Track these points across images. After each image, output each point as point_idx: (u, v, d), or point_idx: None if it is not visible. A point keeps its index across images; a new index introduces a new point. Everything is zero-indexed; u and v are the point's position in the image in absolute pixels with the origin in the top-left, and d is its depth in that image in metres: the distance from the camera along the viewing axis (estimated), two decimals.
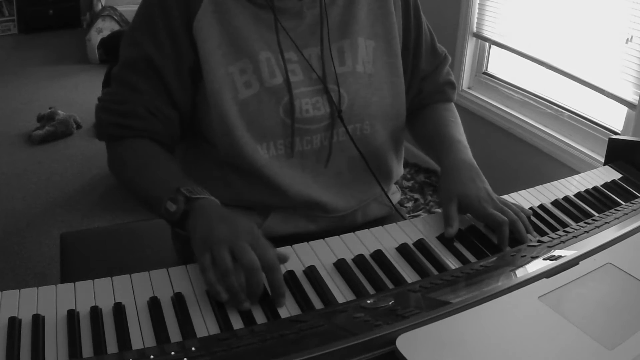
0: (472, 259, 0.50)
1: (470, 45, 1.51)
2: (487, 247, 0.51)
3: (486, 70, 1.54)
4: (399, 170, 0.67)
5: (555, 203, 0.59)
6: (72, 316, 0.39)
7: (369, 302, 0.39)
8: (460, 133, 0.63)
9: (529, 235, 0.51)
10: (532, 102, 1.38)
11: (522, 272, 0.42)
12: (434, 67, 0.67)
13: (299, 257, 0.48)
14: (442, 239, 0.52)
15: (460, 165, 0.56)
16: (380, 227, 0.53)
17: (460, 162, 0.57)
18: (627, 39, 1.08)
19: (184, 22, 0.54)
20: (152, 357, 0.33)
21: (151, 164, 0.55)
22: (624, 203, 0.59)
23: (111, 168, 0.59)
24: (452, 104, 0.69)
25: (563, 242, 0.48)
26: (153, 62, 0.54)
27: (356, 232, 0.52)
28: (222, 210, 0.48)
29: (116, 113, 0.56)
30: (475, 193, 0.53)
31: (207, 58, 0.54)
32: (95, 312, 0.40)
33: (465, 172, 0.55)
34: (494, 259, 0.47)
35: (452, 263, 0.49)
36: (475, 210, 0.53)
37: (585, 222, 0.54)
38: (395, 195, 0.69)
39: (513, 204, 0.54)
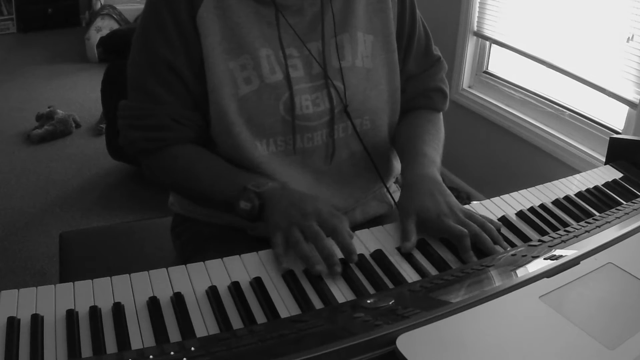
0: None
1: (471, 44, 1.50)
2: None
3: (487, 69, 1.54)
4: (398, 166, 0.67)
5: (556, 202, 0.59)
6: (71, 316, 0.39)
7: (369, 302, 0.39)
8: (432, 147, 0.59)
9: (497, 247, 0.48)
10: (532, 101, 1.38)
11: (522, 272, 0.41)
12: (422, 69, 0.65)
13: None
14: (443, 238, 0.52)
15: (420, 180, 0.54)
16: (381, 226, 0.53)
17: (420, 177, 0.54)
18: (628, 37, 1.08)
19: (189, 18, 0.54)
20: (151, 357, 0.33)
21: (200, 169, 0.56)
22: (625, 202, 0.59)
23: (153, 178, 0.60)
24: (439, 114, 0.66)
25: (564, 241, 0.48)
26: (169, 63, 0.54)
27: (356, 232, 0.51)
28: (290, 194, 0.51)
29: (144, 128, 0.56)
30: (434, 207, 0.50)
31: (208, 53, 0.54)
32: (95, 312, 0.40)
33: (425, 187, 0.53)
34: (495, 258, 0.47)
35: (453, 262, 0.49)
36: (434, 224, 0.50)
37: (586, 222, 0.53)
38: (396, 194, 0.69)
39: (481, 215, 0.51)
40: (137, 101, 0.57)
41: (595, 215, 0.56)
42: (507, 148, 1.43)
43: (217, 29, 0.54)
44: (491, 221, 0.52)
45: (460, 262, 0.49)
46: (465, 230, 0.48)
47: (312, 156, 0.58)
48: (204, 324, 0.40)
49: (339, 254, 0.46)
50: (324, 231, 0.46)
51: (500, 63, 1.50)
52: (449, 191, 0.53)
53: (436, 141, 0.62)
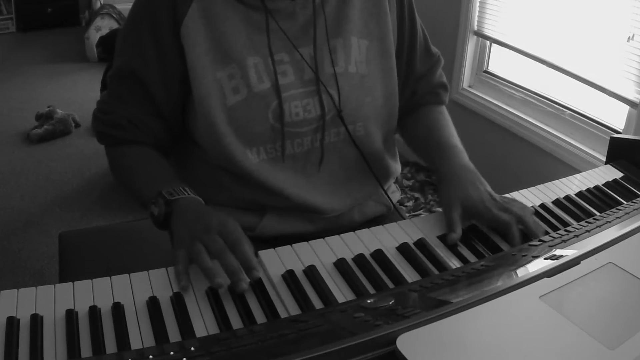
0: (472, 258, 0.50)
1: (471, 44, 1.50)
2: (488, 246, 0.51)
3: (487, 68, 1.54)
4: (396, 167, 0.67)
5: (557, 202, 0.59)
6: (71, 316, 0.39)
7: (369, 301, 0.39)
8: (454, 137, 0.62)
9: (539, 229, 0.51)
10: (533, 100, 1.38)
11: (523, 272, 0.41)
12: (427, 68, 0.66)
13: (299, 256, 0.48)
14: (443, 238, 0.52)
15: (459, 171, 0.56)
16: (381, 226, 0.53)
17: (459, 168, 0.56)
18: (629, 37, 1.07)
19: (171, 29, 0.54)
20: (151, 357, 0.33)
21: (138, 168, 0.57)
22: (625, 202, 0.59)
23: (110, 170, 0.63)
24: (444, 106, 0.68)
25: (564, 241, 0.48)
26: (138, 74, 0.55)
27: (356, 232, 0.51)
28: (199, 208, 0.50)
29: (103, 122, 0.59)
30: (478, 196, 0.52)
31: (194, 64, 0.54)
32: (94, 312, 0.40)
33: (466, 177, 0.55)
34: (495, 258, 0.47)
35: (453, 262, 0.49)
36: (480, 214, 0.52)
37: (586, 222, 0.53)
38: (395, 195, 0.69)
39: (515, 200, 0.54)
40: (107, 97, 0.59)
41: (596, 214, 0.56)
42: (508, 147, 1.43)
43: (204, 39, 0.53)
44: (525, 206, 0.54)
45: (460, 262, 0.49)
46: (512, 218, 0.50)
47: (302, 161, 0.58)
48: (203, 324, 0.40)
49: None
50: (226, 243, 0.45)
51: (500, 62, 1.50)
52: (484, 180, 0.55)
53: (454, 132, 0.63)
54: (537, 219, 0.52)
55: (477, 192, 0.53)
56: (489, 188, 0.54)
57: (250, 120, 0.55)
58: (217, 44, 0.54)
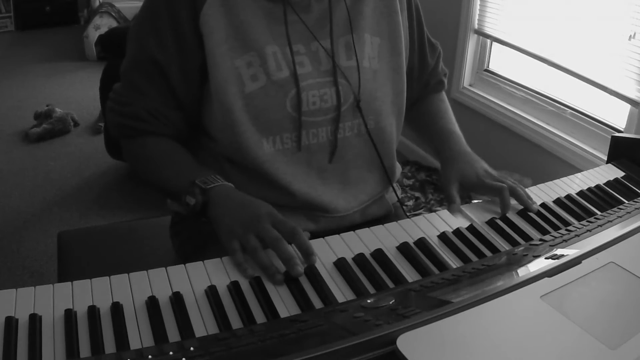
0: (473, 258, 0.49)
1: (472, 42, 1.50)
2: (488, 246, 0.51)
3: (488, 67, 1.54)
4: (399, 168, 0.68)
5: (558, 201, 0.59)
6: (70, 316, 0.39)
7: (369, 301, 0.39)
8: (453, 123, 0.68)
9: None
10: (534, 99, 1.38)
11: (524, 271, 0.41)
12: (435, 60, 0.70)
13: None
14: (443, 237, 0.52)
15: (458, 155, 0.62)
16: (381, 225, 0.53)
17: (457, 152, 0.62)
18: (630, 35, 1.07)
19: (190, 16, 0.54)
20: (150, 357, 0.33)
21: (164, 160, 0.57)
22: (626, 201, 0.59)
23: (127, 162, 0.62)
24: (444, 92, 0.73)
25: (565, 240, 0.48)
26: (157, 63, 0.55)
27: (356, 231, 0.51)
28: (239, 196, 0.51)
29: (121, 114, 0.58)
30: (473, 172, 0.59)
31: (213, 51, 0.54)
32: (93, 312, 0.39)
33: (463, 159, 0.61)
34: (496, 257, 0.47)
35: (453, 262, 0.49)
36: (474, 186, 0.58)
37: (587, 221, 0.53)
38: (392, 195, 0.69)
39: (512, 175, 0.58)
40: (123, 88, 0.58)
41: (597, 214, 0.56)
42: (508, 147, 1.43)
43: (222, 26, 0.54)
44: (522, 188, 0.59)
45: (461, 262, 0.49)
46: (504, 184, 0.56)
47: (316, 154, 0.58)
48: (203, 324, 0.40)
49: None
50: (280, 233, 0.46)
51: (501, 61, 1.50)
52: (481, 160, 0.62)
53: (453, 118, 0.70)
54: (529, 196, 0.56)
55: (472, 169, 0.59)
56: (484, 165, 0.60)
57: (267, 108, 0.55)
58: (236, 31, 0.54)
